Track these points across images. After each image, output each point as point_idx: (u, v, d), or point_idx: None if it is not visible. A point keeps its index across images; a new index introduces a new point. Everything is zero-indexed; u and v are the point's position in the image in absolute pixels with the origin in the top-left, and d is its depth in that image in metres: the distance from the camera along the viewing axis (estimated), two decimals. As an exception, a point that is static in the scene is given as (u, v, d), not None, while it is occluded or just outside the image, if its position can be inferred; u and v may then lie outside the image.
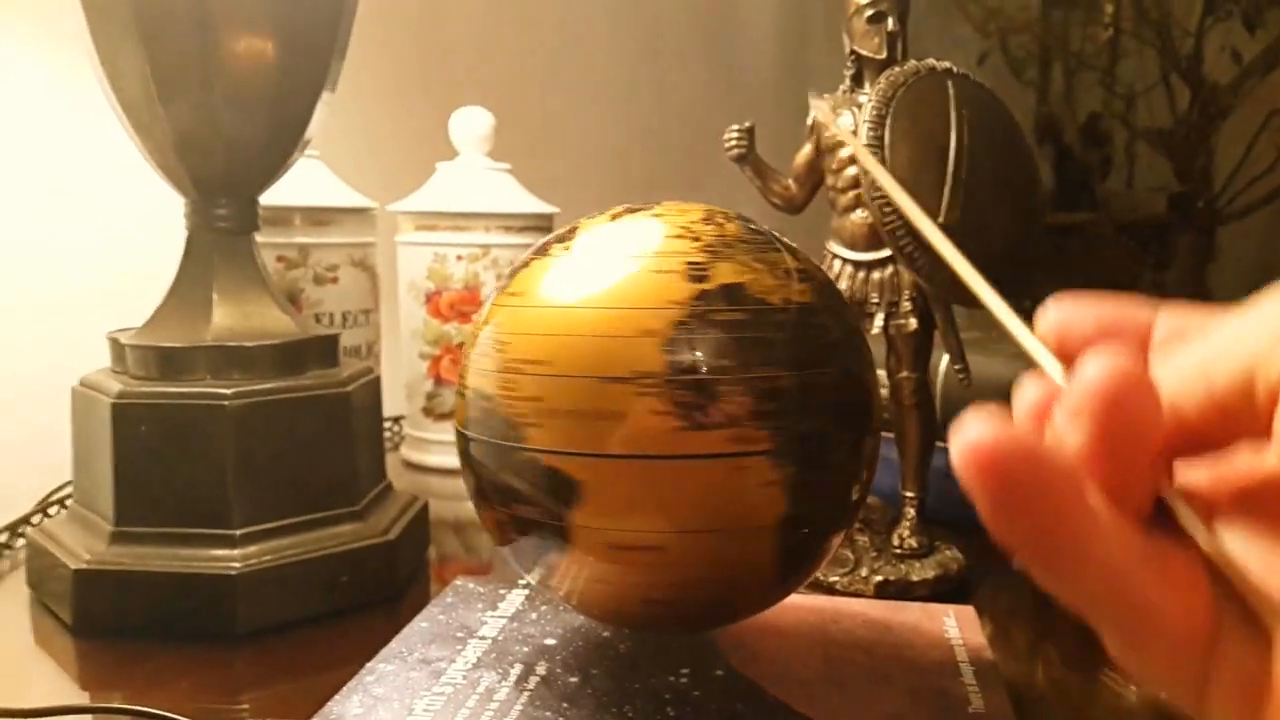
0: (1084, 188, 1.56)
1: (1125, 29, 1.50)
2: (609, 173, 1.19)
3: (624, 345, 0.32)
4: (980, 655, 0.38)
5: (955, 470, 0.20)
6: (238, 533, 0.47)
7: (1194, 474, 0.22)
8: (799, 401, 0.33)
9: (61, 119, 0.76)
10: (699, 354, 0.32)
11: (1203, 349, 0.21)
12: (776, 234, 0.37)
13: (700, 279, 0.33)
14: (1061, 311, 0.24)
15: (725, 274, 0.33)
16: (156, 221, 0.72)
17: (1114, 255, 1.48)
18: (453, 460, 0.37)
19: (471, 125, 0.80)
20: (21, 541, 0.58)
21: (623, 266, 0.33)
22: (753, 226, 0.36)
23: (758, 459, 0.32)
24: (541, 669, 0.37)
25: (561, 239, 0.36)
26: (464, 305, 0.77)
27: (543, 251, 0.36)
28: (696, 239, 0.34)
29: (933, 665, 0.37)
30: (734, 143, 0.54)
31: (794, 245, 0.37)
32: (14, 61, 0.74)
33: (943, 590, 0.52)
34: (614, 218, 0.36)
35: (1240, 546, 0.21)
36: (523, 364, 0.33)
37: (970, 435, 0.19)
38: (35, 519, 0.59)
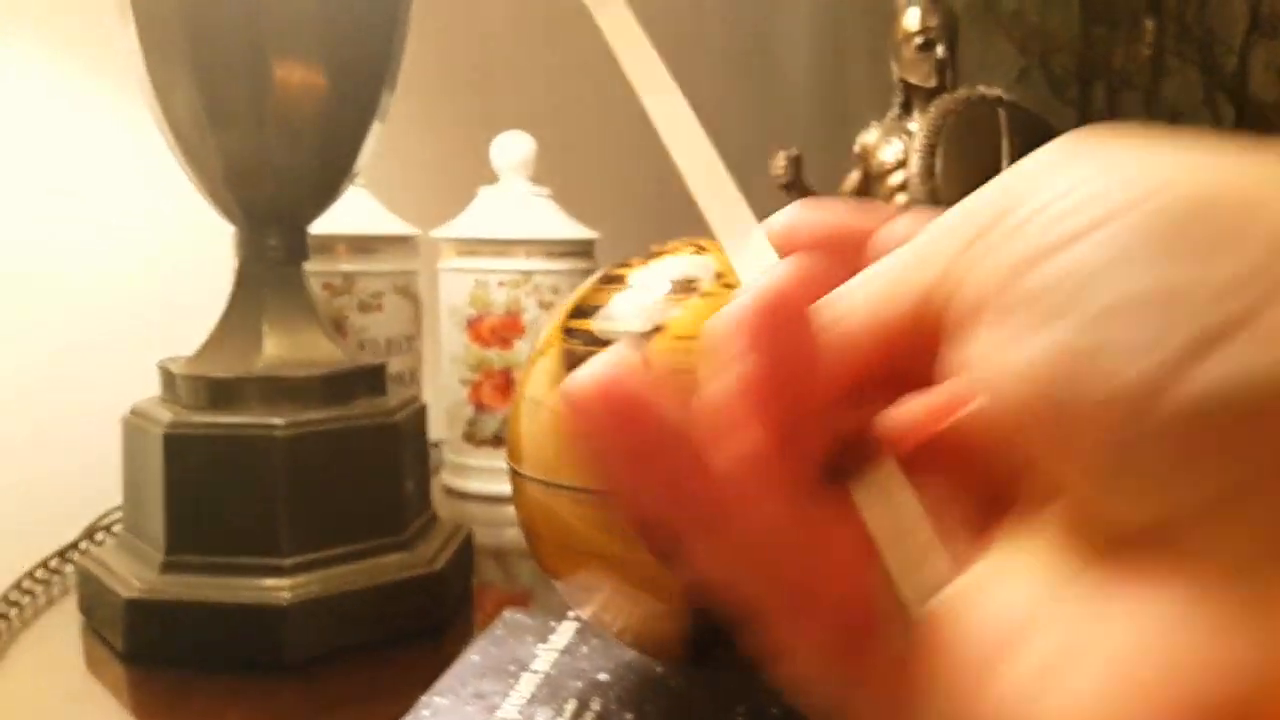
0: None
1: (1167, 47, 1.49)
2: (650, 198, 1.19)
3: None
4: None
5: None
6: (288, 562, 0.48)
7: (889, 420, 0.19)
8: None
9: (62, 120, 0.77)
10: None
11: (893, 265, 0.18)
12: None
13: None
14: (791, 215, 0.20)
15: None
16: (198, 249, 0.73)
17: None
18: (494, 487, 0.37)
19: (513, 150, 0.80)
20: (70, 567, 0.58)
21: None
22: None
23: None
24: (596, 705, 0.36)
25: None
26: (505, 331, 0.77)
27: None
28: None
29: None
30: (782, 171, 0.54)
31: None
32: (14, 61, 0.74)
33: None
34: None
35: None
36: None
37: (575, 376, 0.16)
38: (83, 545, 0.60)
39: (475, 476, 0.78)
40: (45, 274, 0.76)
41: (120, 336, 0.77)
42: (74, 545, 0.60)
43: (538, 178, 0.81)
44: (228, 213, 0.53)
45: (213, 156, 0.51)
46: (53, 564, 0.58)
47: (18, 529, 0.68)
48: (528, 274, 0.77)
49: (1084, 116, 1.56)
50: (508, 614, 0.46)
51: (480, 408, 0.78)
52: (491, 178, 0.81)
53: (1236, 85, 1.42)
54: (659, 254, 0.36)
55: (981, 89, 0.49)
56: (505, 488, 0.37)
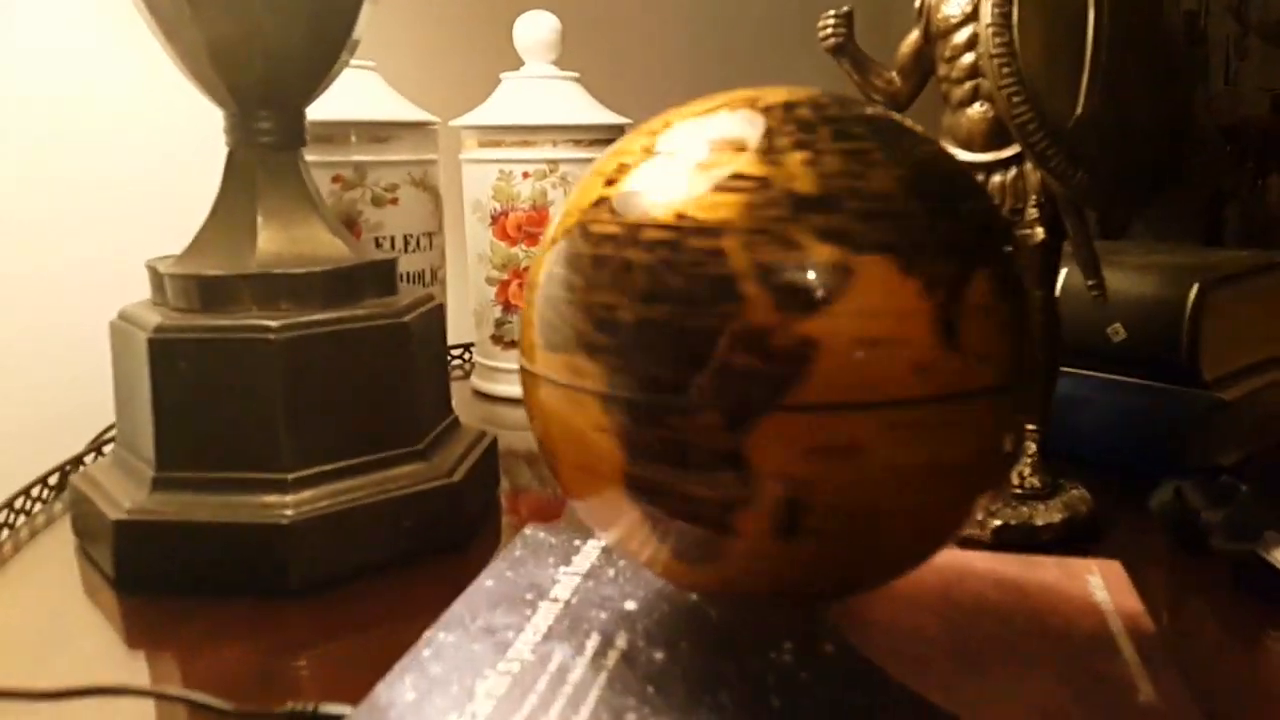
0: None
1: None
2: (683, 78, 1.12)
3: None
4: (1138, 625, 0.33)
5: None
6: (289, 477, 0.43)
7: None
8: None
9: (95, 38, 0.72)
10: None
11: None
12: None
13: None
14: None
15: None
16: (203, 144, 0.68)
17: (1215, 160, 1.37)
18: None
19: (536, 31, 0.74)
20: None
21: None
22: None
23: None
24: (621, 641, 0.32)
25: None
26: (532, 226, 0.72)
27: None
28: None
29: (1084, 640, 0.32)
30: (830, 31, 0.47)
31: None
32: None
33: (1071, 536, 0.46)
34: None
35: None
36: None
37: None
38: (88, 458, 0.57)
39: (505, 380, 0.74)
40: (36, 178, 0.71)
41: (123, 239, 0.72)
42: (78, 460, 0.57)
43: (564, 61, 0.75)
44: (215, 95, 0.48)
45: (192, 32, 0.46)
46: (52, 481, 0.54)
47: (30, 440, 0.65)
48: (554, 163, 0.71)
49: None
50: (529, 531, 0.41)
51: (508, 308, 0.74)
52: (515, 63, 0.75)
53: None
54: (694, 112, 0.31)
55: (1066, -76, 0.42)
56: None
